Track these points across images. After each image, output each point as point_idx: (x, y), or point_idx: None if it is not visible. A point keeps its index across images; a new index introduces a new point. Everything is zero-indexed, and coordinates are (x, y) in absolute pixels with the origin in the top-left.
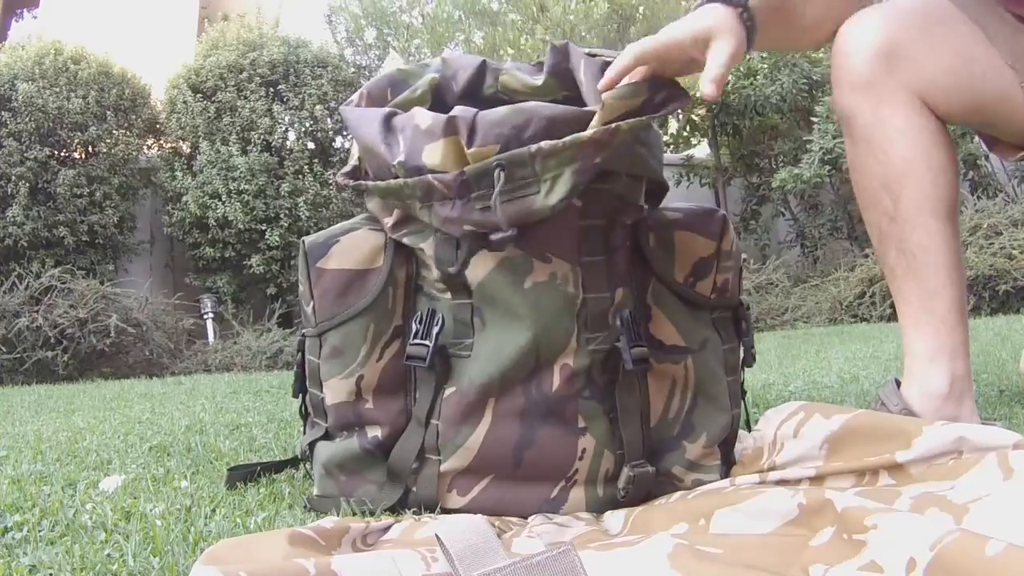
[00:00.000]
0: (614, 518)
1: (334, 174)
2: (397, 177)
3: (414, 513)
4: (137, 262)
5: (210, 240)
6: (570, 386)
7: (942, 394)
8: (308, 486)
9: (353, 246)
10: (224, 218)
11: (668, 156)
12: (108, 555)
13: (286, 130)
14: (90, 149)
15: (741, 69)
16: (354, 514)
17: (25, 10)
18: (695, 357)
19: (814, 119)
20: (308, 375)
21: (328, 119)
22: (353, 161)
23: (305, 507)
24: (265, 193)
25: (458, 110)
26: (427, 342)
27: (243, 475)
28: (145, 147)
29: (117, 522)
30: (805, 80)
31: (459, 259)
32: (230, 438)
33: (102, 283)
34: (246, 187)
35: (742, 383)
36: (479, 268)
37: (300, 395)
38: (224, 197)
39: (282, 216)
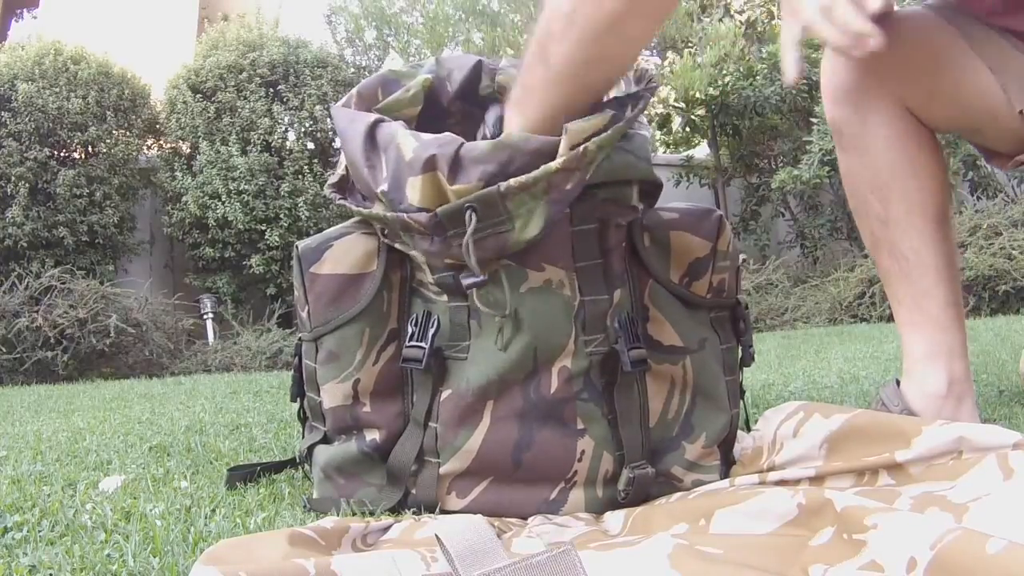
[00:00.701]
0: (614, 518)
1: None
2: (382, 201)
3: (414, 513)
4: (137, 262)
5: (210, 240)
6: (568, 388)
7: (940, 394)
8: (308, 486)
9: (346, 251)
10: (224, 218)
11: (668, 156)
12: (108, 555)
13: (286, 130)
14: (90, 149)
15: (740, 69)
16: (354, 514)
17: (25, 10)
18: (693, 357)
19: (814, 120)
20: (305, 379)
21: (328, 119)
22: (340, 171)
23: (305, 507)
24: (265, 193)
25: (440, 144)
26: (423, 344)
27: (243, 475)
28: (145, 147)
29: (117, 522)
30: (805, 81)
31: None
32: (230, 438)
33: (102, 283)
34: (246, 187)
35: (741, 383)
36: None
37: (298, 399)
38: (224, 197)
39: (282, 216)
